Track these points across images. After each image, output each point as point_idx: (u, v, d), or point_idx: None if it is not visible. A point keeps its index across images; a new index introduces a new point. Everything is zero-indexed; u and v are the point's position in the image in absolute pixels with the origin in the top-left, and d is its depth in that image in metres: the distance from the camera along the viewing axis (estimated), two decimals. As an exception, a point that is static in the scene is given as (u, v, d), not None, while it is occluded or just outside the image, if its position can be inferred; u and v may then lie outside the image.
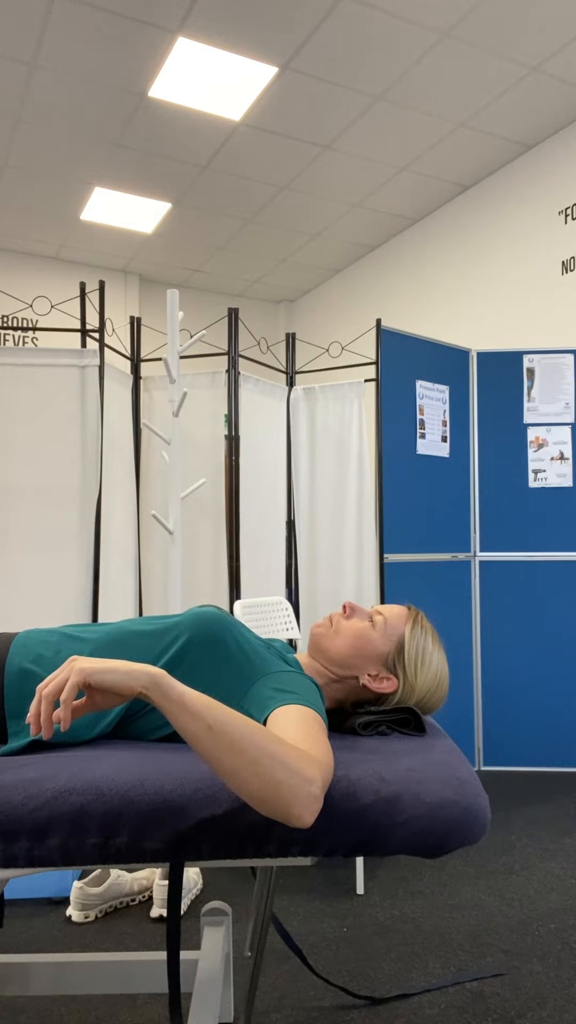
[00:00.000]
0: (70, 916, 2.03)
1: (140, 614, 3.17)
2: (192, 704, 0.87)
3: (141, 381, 3.23)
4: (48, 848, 0.90)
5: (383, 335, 3.21)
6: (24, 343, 5.95)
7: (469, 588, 3.39)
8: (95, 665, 0.90)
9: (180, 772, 0.96)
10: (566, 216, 4.05)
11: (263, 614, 2.69)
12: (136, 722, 1.15)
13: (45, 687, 0.91)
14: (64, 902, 2.12)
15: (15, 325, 5.77)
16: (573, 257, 4.00)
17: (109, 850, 0.90)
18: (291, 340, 3.48)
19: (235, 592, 2.97)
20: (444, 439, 3.37)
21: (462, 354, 3.46)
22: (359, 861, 2.23)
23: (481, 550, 3.40)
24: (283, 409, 3.38)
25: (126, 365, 3.22)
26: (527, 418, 3.40)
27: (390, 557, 3.16)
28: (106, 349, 2.89)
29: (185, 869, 1.94)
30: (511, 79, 3.63)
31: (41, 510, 2.81)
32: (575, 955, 1.83)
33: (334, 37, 3.32)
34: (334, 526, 3.31)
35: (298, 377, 3.43)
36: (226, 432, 3.09)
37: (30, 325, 5.79)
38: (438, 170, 4.49)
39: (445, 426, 3.37)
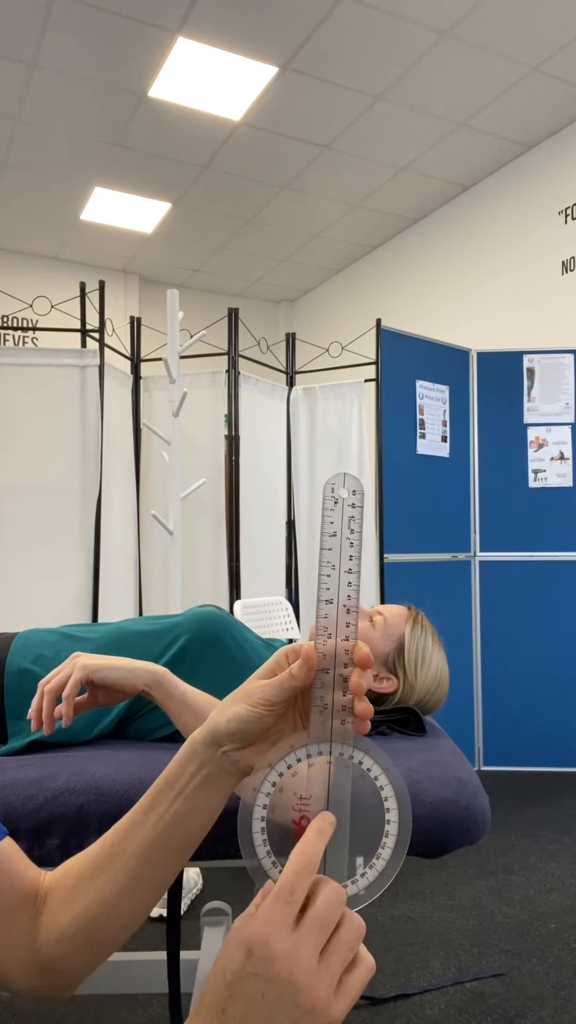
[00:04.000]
0: (70, 916, 2.02)
1: (140, 614, 3.17)
2: (194, 702, 0.87)
3: (141, 381, 3.22)
4: (48, 848, 0.90)
5: (383, 335, 3.21)
6: (24, 343, 5.94)
7: (469, 588, 3.39)
8: (98, 662, 0.89)
9: (180, 772, 0.96)
10: (566, 216, 4.05)
11: (263, 614, 2.69)
12: (136, 722, 1.15)
13: (47, 683, 0.91)
14: (64, 902, 2.11)
15: (15, 325, 5.76)
16: (573, 257, 4.00)
17: (109, 850, 0.90)
18: (291, 340, 3.47)
19: (235, 592, 2.96)
20: (444, 439, 3.37)
21: (462, 354, 3.46)
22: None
23: (481, 550, 3.40)
24: (283, 409, 3.38)
25: (126, 365, 3.22)
26: (527, 418, 3.40)
27: (390, 557, 3.16)
28: (106, 349, 2.89)
29: (185, 869, 1.94)
30: (511, 79, 3.62)
31: (41, 510, 2.81)
32: (575, 955, 1.82)
33: (334, 37, 3.32)
34: (334, 526, 3.31)
35: (298, 377, 3.43)
36: (226, 432, 3.09)
37: (30, 325, 5.79)
38: (438, 170, 4.49)
39: (445, 426, 3.37)
